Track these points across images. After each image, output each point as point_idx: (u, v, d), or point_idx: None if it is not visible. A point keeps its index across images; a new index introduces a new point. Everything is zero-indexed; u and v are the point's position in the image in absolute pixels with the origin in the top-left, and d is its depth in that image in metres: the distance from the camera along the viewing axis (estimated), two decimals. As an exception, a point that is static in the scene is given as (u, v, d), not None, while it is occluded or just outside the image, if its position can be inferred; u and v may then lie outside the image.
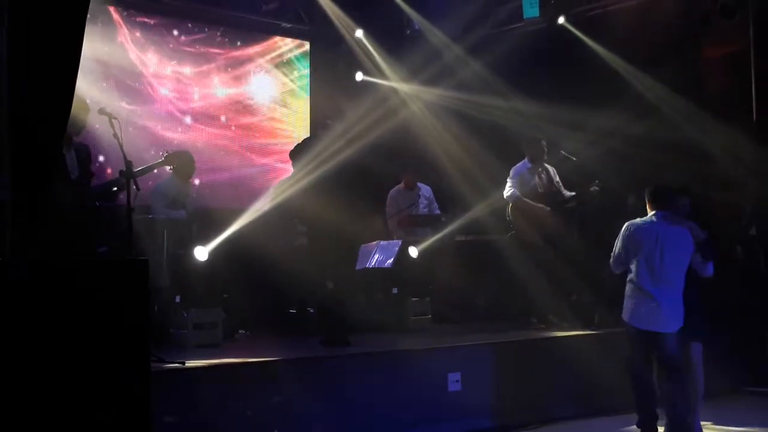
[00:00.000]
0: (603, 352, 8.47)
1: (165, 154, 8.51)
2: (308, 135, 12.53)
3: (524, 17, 12.24)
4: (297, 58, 13.47)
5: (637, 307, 7.22)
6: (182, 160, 9.08)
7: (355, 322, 8.72)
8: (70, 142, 7.59)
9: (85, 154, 7.58)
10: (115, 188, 7.78)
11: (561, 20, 12.04)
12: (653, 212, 7.29)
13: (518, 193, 10.03)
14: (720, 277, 7.47)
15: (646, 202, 7.39)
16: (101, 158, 10.35)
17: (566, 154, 10.25)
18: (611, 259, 7.45)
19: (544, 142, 10.24)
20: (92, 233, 7.44)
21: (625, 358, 7.48)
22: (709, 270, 7.29)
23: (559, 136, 10.77)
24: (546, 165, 10.23)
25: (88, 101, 7.85)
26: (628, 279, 7.32)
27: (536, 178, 10.14)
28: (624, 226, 7.36)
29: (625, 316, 7.33)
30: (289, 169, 9.82)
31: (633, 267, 7.24)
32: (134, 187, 7.14)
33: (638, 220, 7.35)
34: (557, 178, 10.25)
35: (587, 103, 10.89)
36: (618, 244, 7.36)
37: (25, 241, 5.29)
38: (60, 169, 7.44)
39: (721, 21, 10.85)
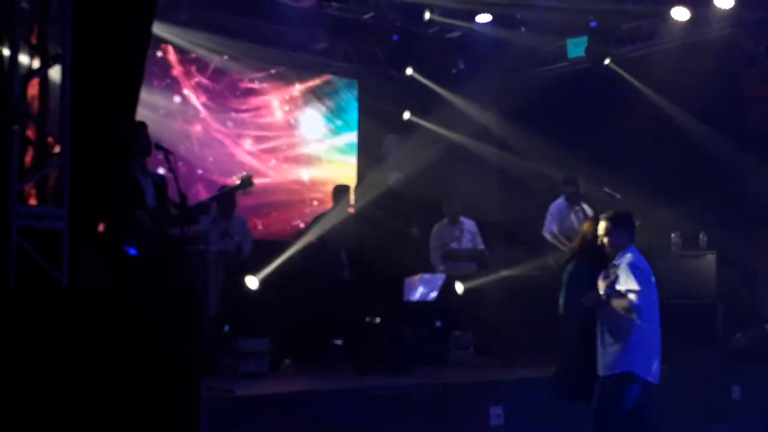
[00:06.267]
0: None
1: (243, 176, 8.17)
2: (356, 173, 12.84)
3: (569, 56, 12.39)
4: (345, 95, 13.72)
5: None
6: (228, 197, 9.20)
7: (397, 354, 8.86)
8: (147, 169, 7.45)
9: (162, 182, 7.47)
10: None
11: (606, 61, 12.10)
12: None
13: (555, 229, 10.07)
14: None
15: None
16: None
17: (609, 191, 10.25)
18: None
19: (577, 181, 10.23)
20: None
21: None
22: None
23: (602, 173, 10.82)
24: (583, 204, 10.13)
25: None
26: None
27: (572, 215, 10.18)
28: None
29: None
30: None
31: None
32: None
33: None
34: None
35: (629, 141, 10.97)
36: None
37: (80, 270, 5.45)
38: (138, 195, 7.21)
39: (765, 61, 10.91)
